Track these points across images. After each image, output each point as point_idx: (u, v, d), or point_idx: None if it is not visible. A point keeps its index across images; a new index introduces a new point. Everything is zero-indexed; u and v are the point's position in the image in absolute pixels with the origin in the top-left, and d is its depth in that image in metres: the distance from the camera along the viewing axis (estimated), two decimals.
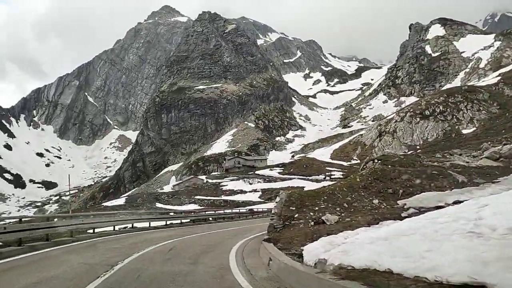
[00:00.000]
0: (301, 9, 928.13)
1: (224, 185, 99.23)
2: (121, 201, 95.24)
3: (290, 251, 9.81)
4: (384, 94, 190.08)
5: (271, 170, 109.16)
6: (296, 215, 13.86)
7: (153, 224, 21.19)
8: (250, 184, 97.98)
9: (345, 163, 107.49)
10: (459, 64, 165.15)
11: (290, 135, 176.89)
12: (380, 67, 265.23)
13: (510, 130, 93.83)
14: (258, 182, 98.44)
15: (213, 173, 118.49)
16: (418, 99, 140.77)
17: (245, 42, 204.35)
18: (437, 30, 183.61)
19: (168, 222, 24.30)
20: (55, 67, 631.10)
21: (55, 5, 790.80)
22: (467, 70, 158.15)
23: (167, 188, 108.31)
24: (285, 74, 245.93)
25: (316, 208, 14.11)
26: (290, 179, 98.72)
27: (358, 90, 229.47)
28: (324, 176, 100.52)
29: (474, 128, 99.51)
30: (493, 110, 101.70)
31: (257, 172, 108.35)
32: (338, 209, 14.07)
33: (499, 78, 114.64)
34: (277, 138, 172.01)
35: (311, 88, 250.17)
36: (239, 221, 33.56)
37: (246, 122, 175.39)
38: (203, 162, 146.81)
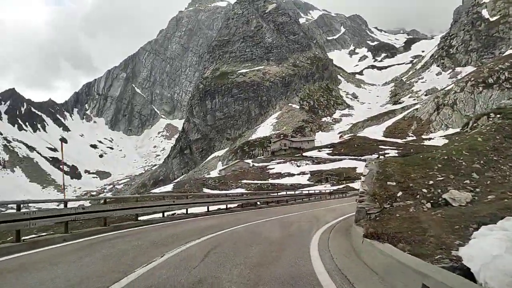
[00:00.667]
0: None
1: (271, 168, 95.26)
2: (168, 187, 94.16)
3: (434, 259, 4.98)
4: (438, 66, 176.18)
5: (319, 151, 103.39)
6: (400, 194, 8.88)
7: (193, 210, 16.97)
8: (298, 166, 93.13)
9: (399, 141, 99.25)
10: None
11: (337, 114, 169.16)
12: (431, 38, 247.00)
13: None
14: (306, 164, 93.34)
15: (259, 157, 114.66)
16: (475, 68, 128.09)
17: (286, 21, 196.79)
18: None
19: (214, 208, 20.12)
20: (104, 61, 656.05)
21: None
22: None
23: (214, 174, 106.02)
24: (329, 52, 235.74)
25: (430, 182, 9.03)
26: (341, 160, 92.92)
27: (408, 63, 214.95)
28: (377, 156, 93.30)
29: None
30: None
31: (304, 154, 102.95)
32: (466, 181, 8.90)
33: None
34: (324, 119, 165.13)
35: (357, 65, 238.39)
36: (294, 205, 28.77)
37: (290, 104, 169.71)
38: (248, 146, 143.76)
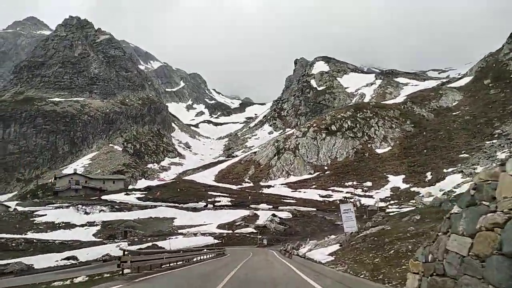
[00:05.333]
0: (186, 44, 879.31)
1: (42, 215, 56.39)
2: None
3: None
4: (270, 125, 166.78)
5: (127, 194, 68.41)
6: None
7: None
8: (87, 214, 56.45)
9: (234, 187, 72.97)
10: (344, 98, 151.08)
11: (165, 162, 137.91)
12: (263, 104, 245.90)
13: (432, 150, 72.42)
14: (101, 211, 57.33)
15: (30, 200, 72.39)
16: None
17: (119, 55, 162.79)
18: (321, 66, 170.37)
19: None
20: None
21: None
22: (352, 104, 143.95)
23: None
24: (167, 103, 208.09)
25: None
26: (154, 206, 60.35)
27: (243, 123, 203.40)
28: (205, 204, 64.20)
29: (390, 147, 76.19)
30: (407, 128, 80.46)
31: (104, 197, 66.37)
32: None
33: (405, 97, 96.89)
34: (149, 165, 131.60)
35: (193, 119, 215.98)
36: None
37: (111, 145, 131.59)
38: (44, 191, 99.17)
